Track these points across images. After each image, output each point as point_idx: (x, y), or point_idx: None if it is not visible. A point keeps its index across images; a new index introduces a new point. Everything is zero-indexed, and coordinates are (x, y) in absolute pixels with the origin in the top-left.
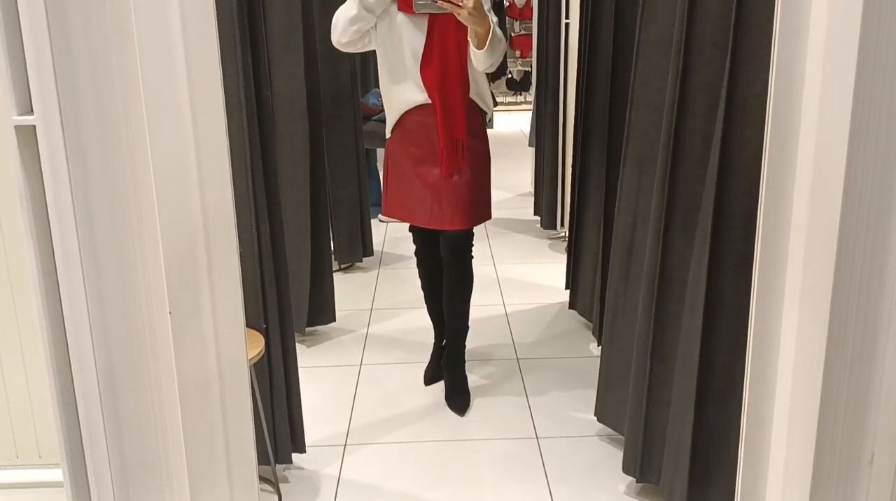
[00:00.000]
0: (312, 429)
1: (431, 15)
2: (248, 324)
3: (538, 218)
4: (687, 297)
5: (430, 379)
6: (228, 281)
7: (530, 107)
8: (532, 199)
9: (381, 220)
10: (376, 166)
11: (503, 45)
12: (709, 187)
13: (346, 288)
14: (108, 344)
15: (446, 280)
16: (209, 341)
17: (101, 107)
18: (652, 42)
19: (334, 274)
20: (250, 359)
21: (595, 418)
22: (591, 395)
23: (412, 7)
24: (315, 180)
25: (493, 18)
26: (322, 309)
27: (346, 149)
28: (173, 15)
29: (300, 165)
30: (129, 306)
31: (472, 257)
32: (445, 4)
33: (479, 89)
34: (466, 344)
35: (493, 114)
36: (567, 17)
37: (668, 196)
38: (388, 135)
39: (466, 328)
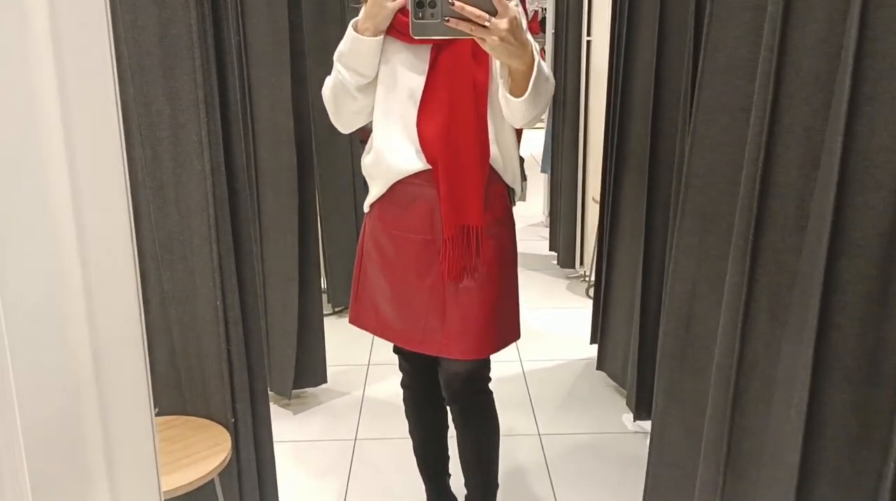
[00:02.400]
0: None
1: (436, 42)
2: (214, 418)
3: (554, 253)
4: (776, 401)
5: None
6: (137, 453)
7: (542, 126)
8: (546, 231)
9: None
10: None
11: (551, 87)
12: (810, 265)
13: (340, 336)
14: None
15: (458, 429)
16: None
17: None
18: (720, 71)
19: (328, 317)
20: (215, 468)
21: None
22: (630, 487)
23: (409, 32)
24: (304, 220)
25: (535, 45)
26: (311, 369)
27: (341, 179)
28: (36, 35)
29: (286, 205)
30: None
31: (491, 394)
32: (460, 24)
33: (505, 153)
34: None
35: (524, 190)
36: (589, 35)
37: (751, 269)
38: (366, 208)
39: (493, 484)
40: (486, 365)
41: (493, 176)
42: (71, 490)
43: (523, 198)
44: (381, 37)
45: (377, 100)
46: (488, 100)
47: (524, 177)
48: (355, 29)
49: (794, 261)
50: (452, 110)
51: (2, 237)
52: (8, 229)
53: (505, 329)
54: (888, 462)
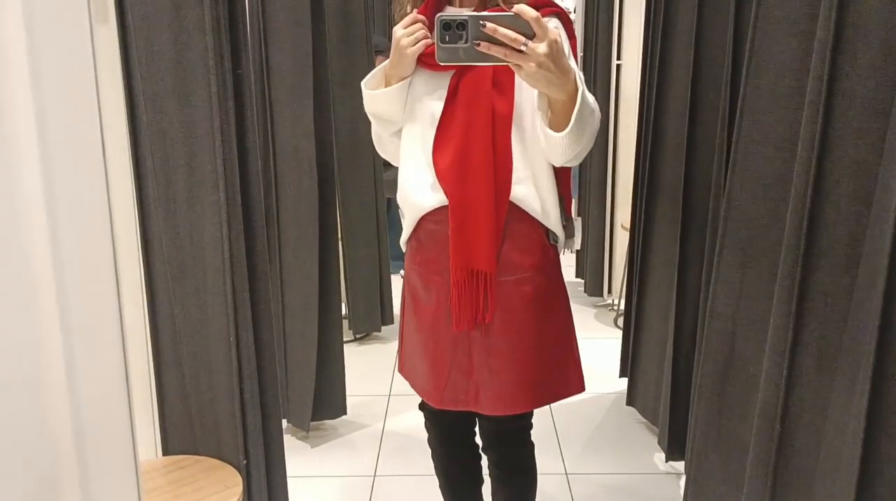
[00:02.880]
0: None
1: (459, 69)
2: (225, 459)
3: (581, 281)
4: (823, 454)
5: None
6: None
7: None
8: (573, 257)
9: (402, 277)
10: (398, 214)
11: (597, 120)
12: (864, 309)
13: (361, 365)
14: None
15: (492, 477)
16: None
17: None
18: (763, 98)
19: (349, 344)
20: None
21: None
22: None
23: (434, 58)
24: (325, 247)
25: (580, 73)
26: (330, 401)
27: (364, 204)
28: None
29: (307, 232)
30: None
31: (531, 447)
32: (493, 49)
33: (541, 192)
34: None
35: (571, 238)
36: (619, 59)
37: (797, 312)
38: (403, 248)
39: None
40: (525, 417)
41: (522, 215)
42: None
43: (570, 249)
44: (406, 81)
45: (406, 129)
46: (515, 131)
47: (569, 223)
48: (385, 81)
49: (845, 305)
50: (467, 141)
51: None
52: None
53: (550, 383)
54: None
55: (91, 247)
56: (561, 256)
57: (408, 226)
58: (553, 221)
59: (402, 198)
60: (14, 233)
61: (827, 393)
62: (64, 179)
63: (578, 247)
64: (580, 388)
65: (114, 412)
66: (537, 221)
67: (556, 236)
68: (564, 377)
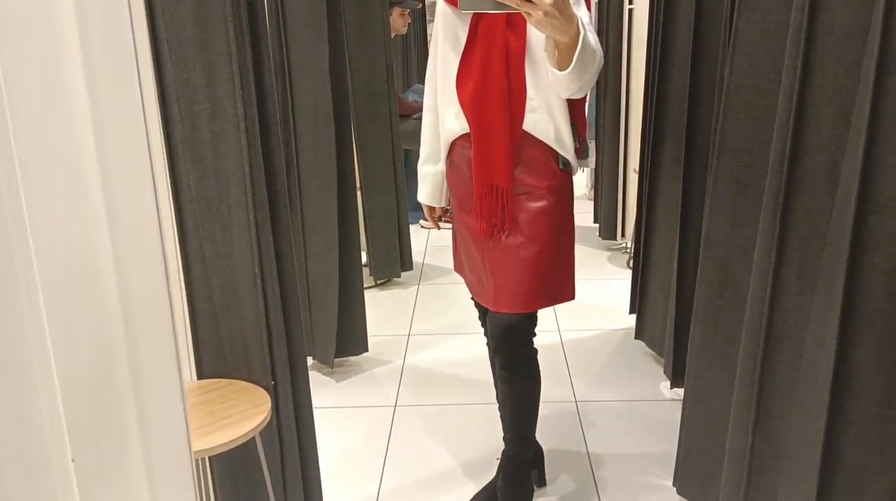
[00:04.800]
0: (336, 494)
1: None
2: (254, 381)
3: (597, 226)
4: (803, 363)
5: None
6: (168, 407)
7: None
8: (590, 204)
9: (422, 226)
10: (415, 165)
11: (598, 60)
12: (839, 225)
13: (382, 309)
14: None
15: (499, 381)
16: (139, 496)
17: None
18: (753, 32)
19: (370, 290)
20: (255, 427)
21: (674, 488)
22: (665, 453)
23: (457, 2)
24: (344, 193)
25: (585, 17)
26: (353, 339)
27: (381, 153)
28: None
29: (326, 177)
30: (19, 454)
31: (533, 351)
32: (508, 0)
33: (555, 120)
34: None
35: (581, 160)
36: (631, 3)
37: (781, 232)
38: (443, 164)
39: (528, 438)
40: (527, 320)
41: (535, 142)
42: (106, 436)
43: (584, 166)
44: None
45: (439, 65)
46: (530, 66)
47: (581, 145)
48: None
49: (825, 224)
50: (484, 75)
51: (34, 208)
52: (42, 200)
53: (550, 289)
54: None
55: (131, 159)
56: (575, 175)
57: (443, 150)
58: (566, 146)
59: (440, 126)
60: (71, 157)
61: (808, 307)
62: (109, 115)
63: (593, 166)
64: (571, 296)
65: (155, 292)
66: (549, 148)
67: (567, 161)
68: (564, 286)
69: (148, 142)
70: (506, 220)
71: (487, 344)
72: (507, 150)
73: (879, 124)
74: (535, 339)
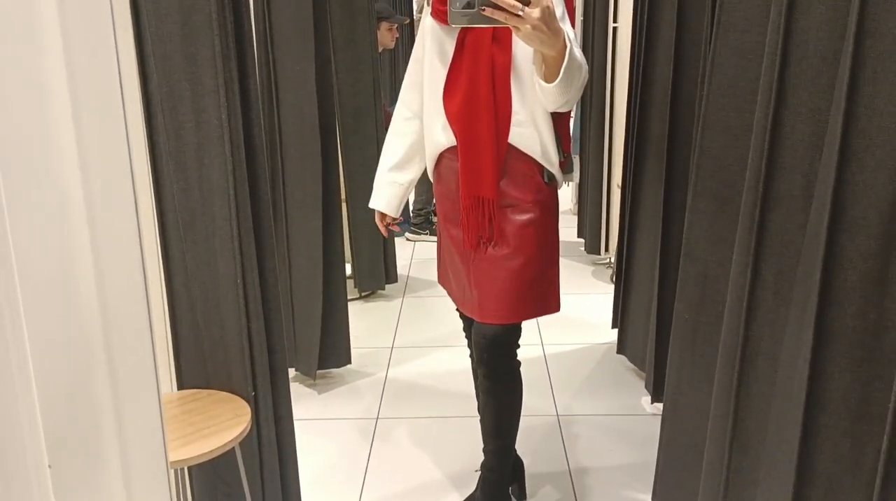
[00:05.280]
0: None
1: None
2: (235, 392)
3: (582, 240)
4: (779, 378)
5: None
6: (145, 416)
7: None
8: (575, 219)
9: (407, 239)
10: None
11: (584, 74)
12: (812, 243)
13: (365, 321)
14: None
15: (481, 391)
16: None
17: None
18: (731, 53)
19: (354, 302)
20: (235, 438)
21: None
22: (645, 467)
23: (446, 17)
24: (328, 205)
25: (570, 33)
26: (336, 350)
27: (366, 165)
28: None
29: (310, 190)
30: None
31: (516, 362)
32: (496, 13)
33: (539, 134)
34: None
35: (565, 174)
36: (615, 21)
37: (756, 248)
38: (430, 177)
39: (508, 449)
40: (512, 331)
41: (520, 155)
42: (83, 443)
43: (569, 180)
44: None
45: (425, 78)
46: (516, 81)
47: (566, 159)
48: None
49: (799, 241)
50: (471, 88)
51: (15, 217)
52: (21, 214)
53: (535, 300)
54: (884, 438)
55: (112, 169)
56: (560, 190)
57: (430, 162)
58: (551, 160)
59: (426, 138)
60: (53, 166)
61: (783, 322)
62: (91, 126)
63: (576, 181)
64: (556, 308)
65: (133, 295)
66: (535, 161)
67: (552, 175)
68: (549, 298)
69: (129, 152)
70: (493, 232)
71: (471, 355)
72: (493, 163)
73: (850, 145)
74: (518, 351)
